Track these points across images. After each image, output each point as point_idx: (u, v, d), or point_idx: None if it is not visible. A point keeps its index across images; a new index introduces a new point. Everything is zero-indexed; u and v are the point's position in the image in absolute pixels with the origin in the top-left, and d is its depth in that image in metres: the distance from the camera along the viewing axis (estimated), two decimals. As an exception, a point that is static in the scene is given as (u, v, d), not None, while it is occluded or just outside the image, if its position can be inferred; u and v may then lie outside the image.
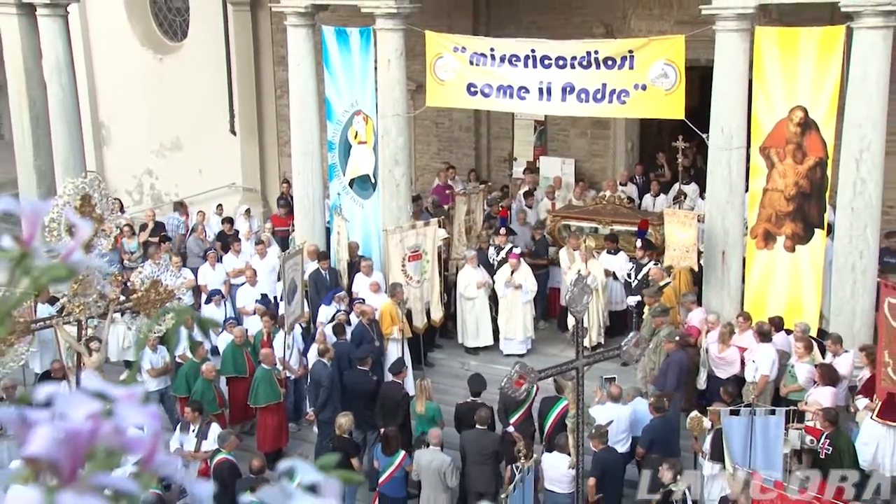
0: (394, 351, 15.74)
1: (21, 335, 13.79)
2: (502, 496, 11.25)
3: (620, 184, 19.55)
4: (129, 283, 14.98)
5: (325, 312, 16.28)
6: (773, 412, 12.27)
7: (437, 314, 17.14)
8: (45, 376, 14.99)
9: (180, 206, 21.90)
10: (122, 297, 14.84)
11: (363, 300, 16.01)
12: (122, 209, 20.35)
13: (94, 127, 25.54)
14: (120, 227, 16.57)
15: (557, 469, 12.49)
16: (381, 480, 13.20)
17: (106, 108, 26.11)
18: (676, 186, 19.30)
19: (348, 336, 15.39)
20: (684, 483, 11.70)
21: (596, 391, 13.59)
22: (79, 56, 23.06)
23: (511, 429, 13.54)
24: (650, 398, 13.25)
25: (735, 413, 12.15)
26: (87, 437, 0.83)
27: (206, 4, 24.21)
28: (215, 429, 13.64)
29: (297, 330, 15.77)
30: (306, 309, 16.26)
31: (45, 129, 20.40)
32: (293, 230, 19.09)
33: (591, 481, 12.36)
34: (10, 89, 21.01)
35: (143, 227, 20.48)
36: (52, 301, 15.57)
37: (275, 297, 17.15)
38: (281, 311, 15.78)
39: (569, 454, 12.33)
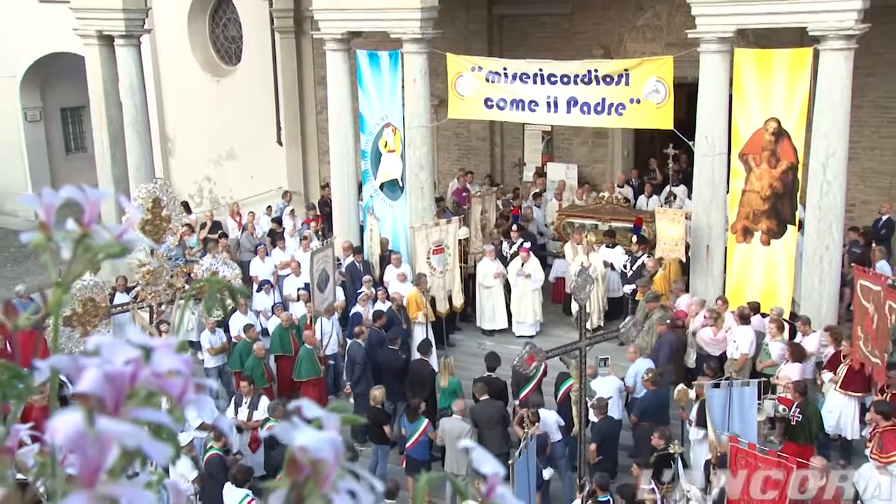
0: (420, 333, 15.79)
1: (102, 318, 13.95)
2: (510, 461, 11.27)
3: (618, 186, 19.53)
4: (192, 275, 15.10)
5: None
6: (747, 384, 12.28)
7: (458, 301, 17.16)
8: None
9: (286, 195, 22.09)
10: (187, 287, 14.97)
11: (385, 289, 16.10)
12: (189, 211, 20.50)
13: (161, 140, 25.73)
14: (182, 226, 16.69)
15: (548, 422, 12.57)
16: (407, 445, 13.24)
17: (172, 124, 26.29)
18: (667, 188, 19.26)
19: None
20: (677, 449, 11.72)
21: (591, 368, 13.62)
22: (149, 79, 23.25)
23: (516, 402, 13.56)
24: (645, 375, 13.23)
25: (716, 386, 12.17)
26: (128, 378, 0.89)
27: (256, 33, 24.37)
28: (265, 401, 13.73)
29: (336, 315, 15.85)
30: (341, 297, 16.34)
31: (120, 143, 20.61)
32: (320, 229, 19.43)
33: (592, 447, 12.41)
34: (91, 109, 21.24)
35: (203, 225, 20.61)
36: (128, 290, 15.75)
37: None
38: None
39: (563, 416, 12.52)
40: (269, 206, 21.46)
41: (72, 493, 0.71)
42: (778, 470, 10.31)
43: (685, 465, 12.19)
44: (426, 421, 13.19)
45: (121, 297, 15.63)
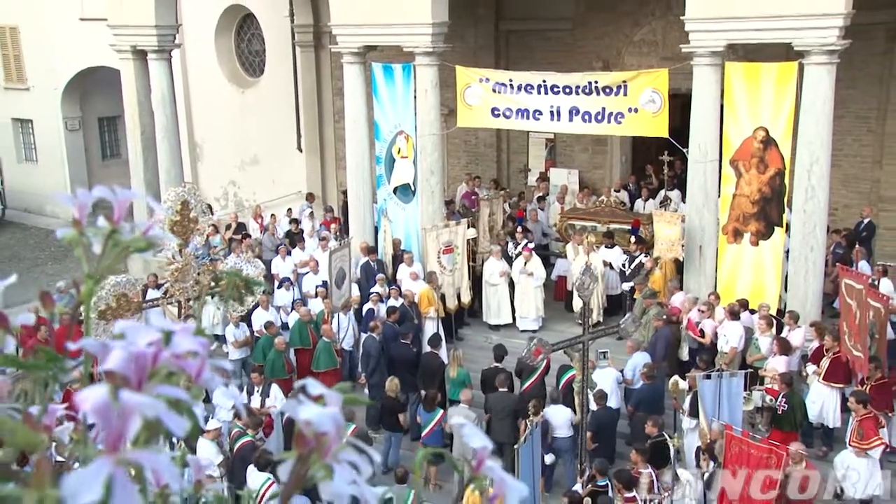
0: (430, 327, 15.80)
1: (134, 313, 13.96)
2: (515, 446, 11.29)
3: (616, 190, 19.50)
4: (216, 272, 15.13)
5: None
6: (735, 375, 12.30)
7: (466, 297, 17.17)
8: (151, 346, 15.05)
9: (309, 196, 22.11)
10: (212, 283, 15.00)
11: (398, 287, 16.14)
12: (211, 212, 20.53)
13: (190, 146, 25.81)
14: (208, 227, 16.74)
15: (558, 418, 12.56)
16: (423, 433, 13.23)
17: (200, 132, 26.38)
18: (663, 192, 19.23)
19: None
20: (677, 442, 11.74)
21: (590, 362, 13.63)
22: (179, 91, 23.32)
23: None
24: (643, 369, 13.23)
25: (707, 377, 12.18)
26: (150, 358, 0.93)
27: (278, 47, 24.45)
28: (275, 389, 13.74)
29: (351, 310, 15.89)
30: (356, 293, 16.37)
31: (152, 150, 20.71)
32: (338, 230, 19.48)
33: (589, 434, 12.40)
34: (126, 118, 21.35)
35: (228, 226, 20.67)
36: (159, 286, 15.80)
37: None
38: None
39: (565, 405, 12.51)
40: (290, 209, 21.51)
41: (97, 459, 0.75)
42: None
43: (677, 452, 12.21)
44: (441, 411, 13.20)
45: (152, 293, 15.70)
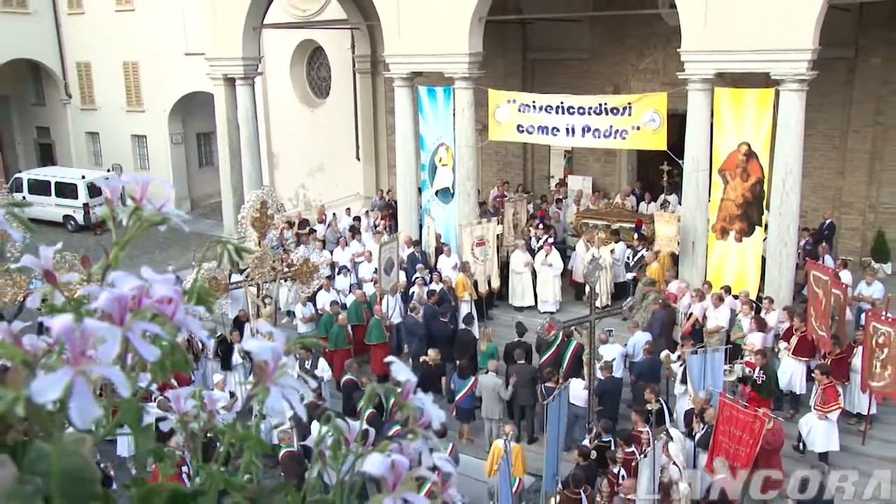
0: (465, 308, 15.85)
1: (222, 292, 14.16)
2: (545, 402, 11.25)
3: (624, 194, 19.33)
4: (283, 261, 15.30)
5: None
6: (717, 350, 12.21)
7: (496, 283, 17.19)
8: (236, 320, 15.15)
9: (381, 191, 22.25)
10: (285, 269, 15.21)
11: (440, 273, 16.19)
12: (285, 210, 20.75)
13: (268, 156, 26.21)
14: (283, 223, 16.94)
15: (577, 388, 12.55)
16: (457, 398, 13.28)
17: (277, 144, 26.75)
18: (662, 196, 19.04)
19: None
20: (654, 406, 11.68)
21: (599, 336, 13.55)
22: (260, 110, 23.70)
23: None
24: (645, 345, 13.17)
25: (694, 353, 12.11)
26: (131, 300, 1.01)
27: (342, 73, 24.68)
28: (322, 362, 13.78)
29: (398, 293, 15.98)
30: (403, 279, 16.48)
31: (238, 158, 21.04)
32: (388, 225, 19.54)
33: (595, 398, 12.37)
34: (217, 133, 21.72)
35: (294, 223, 20.89)
36: (241, 271, 15.99)
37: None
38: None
39: (575, 377, 12.47)
40: (349, 208, 21.67)
41: (61, 368, 0.83)
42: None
43: (670, 414, 12.16)
44: (473, 378, 13.25)
45: (236, 277, 15.89)
